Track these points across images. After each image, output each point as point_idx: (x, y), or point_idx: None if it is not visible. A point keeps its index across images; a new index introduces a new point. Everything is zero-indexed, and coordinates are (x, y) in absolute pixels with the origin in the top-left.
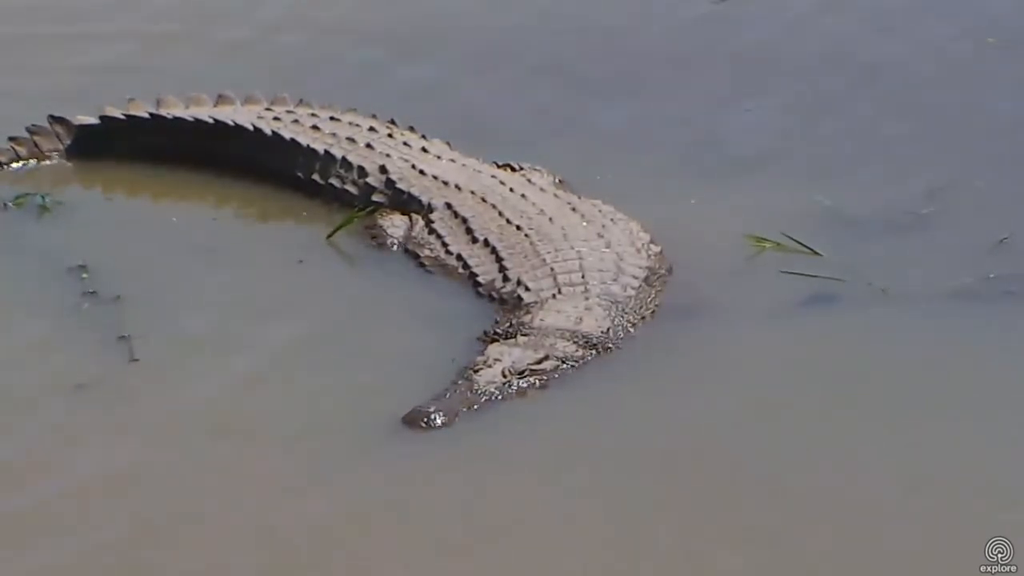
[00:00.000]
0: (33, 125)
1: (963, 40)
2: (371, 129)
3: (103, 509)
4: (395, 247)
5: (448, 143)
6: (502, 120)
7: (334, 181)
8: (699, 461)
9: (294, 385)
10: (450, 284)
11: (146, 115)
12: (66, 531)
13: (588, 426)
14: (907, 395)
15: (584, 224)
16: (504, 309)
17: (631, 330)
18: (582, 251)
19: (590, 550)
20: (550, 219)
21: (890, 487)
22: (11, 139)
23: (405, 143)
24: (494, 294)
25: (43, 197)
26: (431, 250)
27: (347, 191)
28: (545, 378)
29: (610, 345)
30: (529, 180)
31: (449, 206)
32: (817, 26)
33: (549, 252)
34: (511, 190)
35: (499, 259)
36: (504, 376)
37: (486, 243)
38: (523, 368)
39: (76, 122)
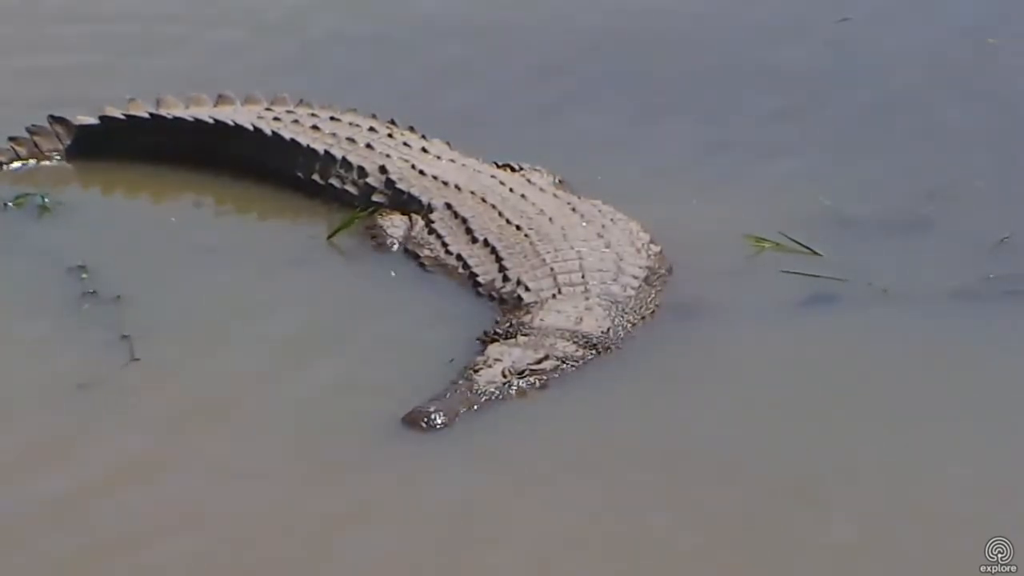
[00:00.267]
0: (33, 125)
1: (963, 40)
2: (371, 129)
3: (104, 508)
4: (395, 247)
5: (448, 143)
6: (502, 120)
7: (334, 181)
8: (699, 461)
9: (294, 385)
10: (450, 284)
11: (146, 115)
12: (67, 530)
13: (588, 426)
14: (907, 395)
15: (584, 224)
16: (504, 309)
17: (631, 330)
18: (582, 251)
19: (590, 550)
20: (550, 219)
21: (890, 487)
22: (11, 139)
23: (405, 143)
24: (494, 294)
25: (43, 197)
26: (431, 250)
27: (347, 191)
28: (545, 378)
29: (610, 345)
30: (529, 180)
31: (449, 206)
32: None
33: (549, 252)
34: (511, 190)
35: (499, 259)
36: (504, 376)
37: (486, 243)
38: (523, 368)
39: (76, 122)
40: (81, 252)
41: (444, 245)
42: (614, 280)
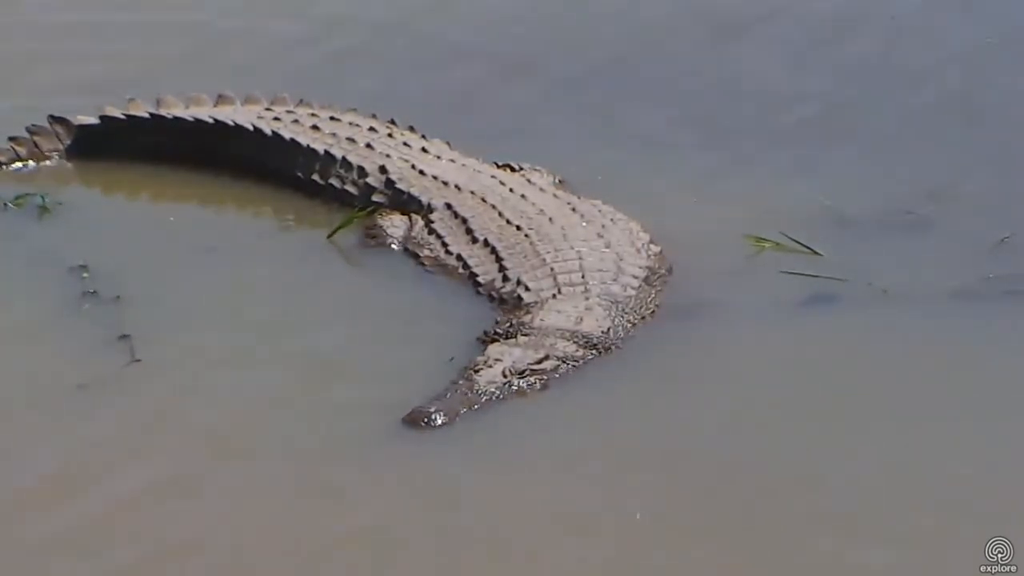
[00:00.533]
0: (33, 125)
1: (963, 40)
2: (371, 129)
3: (105, 507)
4: (395, 247)
5: (448, 143)
6: (502, 121)
7: (334, 181)
8: (699, 461)
9: (294, 384)
10: (450, 284)
11: (146, 115)
12: (68, 531)
13: (588, 426)
14: (907, 395)
15: (584, 224)
16: (504, 309)
17: (631, 330)
18: (582, 251)
19: (590, 550)
20: (550, 219)
21: (890, 487)
22: (11, 139)
23: (405, 143)
24: (494, 294)
25: (43, 197)
26: (431, 250)
27: (347, 191)
28: (545, 378)
29: (610, 345)
30: (529, 180)
31: (449, 206)
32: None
33: (549, 252)
34: (511, 190)
35: (499, 259)
36: (504, 376)
37: (486, 243)
38: (523, 368)
39: (76, 122)
40: (81, 252)
41: (444, 245)
42: (614, 280)
